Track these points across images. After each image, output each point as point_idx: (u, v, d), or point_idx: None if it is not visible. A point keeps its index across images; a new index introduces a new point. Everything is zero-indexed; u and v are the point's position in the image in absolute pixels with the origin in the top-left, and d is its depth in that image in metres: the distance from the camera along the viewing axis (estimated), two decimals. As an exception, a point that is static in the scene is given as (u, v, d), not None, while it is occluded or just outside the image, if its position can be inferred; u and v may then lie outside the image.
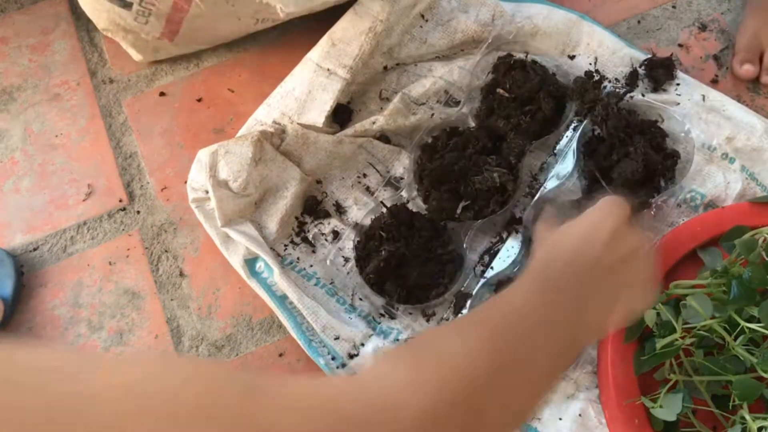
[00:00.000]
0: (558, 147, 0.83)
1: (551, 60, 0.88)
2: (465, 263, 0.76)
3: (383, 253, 0.75)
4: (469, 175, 0.79)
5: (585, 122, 0.81)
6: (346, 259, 0.80)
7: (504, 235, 0.79)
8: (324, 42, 0.86)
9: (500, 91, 0.84)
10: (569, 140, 0.82)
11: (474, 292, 0.75)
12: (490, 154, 0.81)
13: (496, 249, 0.78)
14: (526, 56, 0.87)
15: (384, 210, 0.78)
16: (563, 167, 0.79)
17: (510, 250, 0.77)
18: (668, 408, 0.59)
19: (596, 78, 0.86)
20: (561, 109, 0.84)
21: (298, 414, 0.33)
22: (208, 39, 0.93)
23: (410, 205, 0.80)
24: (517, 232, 0.78)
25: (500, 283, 0.77)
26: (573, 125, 0.82)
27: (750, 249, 0.63)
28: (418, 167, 0.82)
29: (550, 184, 0.79)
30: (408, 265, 0.76)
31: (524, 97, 0.83)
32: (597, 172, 0.78)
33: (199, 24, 0.87)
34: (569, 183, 0.79)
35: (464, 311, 0.75)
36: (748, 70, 0.89)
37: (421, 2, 0.89)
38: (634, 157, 0.76)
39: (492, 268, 0.76)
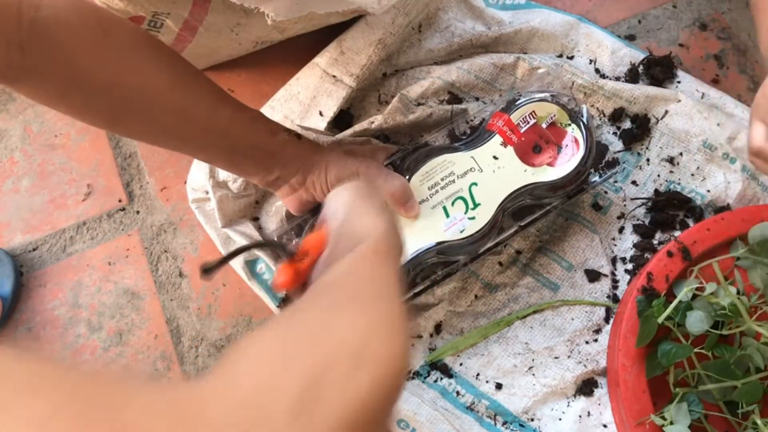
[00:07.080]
0: None
1: (550, 59, 0.83)
2: None
3: None
4: None
5: None
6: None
7: None
8: (332, 48, 0.81)
9: None
10: None
11: None
12: None
13: None
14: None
15: None
16: None
17: None
18: (679, 423, 0.55)
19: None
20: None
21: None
22: (205, 62, 0.88)
23: None
24: None
25: None
26: None
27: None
28: None
29: None
30: None
31: None
32: None
33: (200, 50, 0.82)
34: None
35: None
36: None
37: (420, 14, 0.85)
38: None
39: None
